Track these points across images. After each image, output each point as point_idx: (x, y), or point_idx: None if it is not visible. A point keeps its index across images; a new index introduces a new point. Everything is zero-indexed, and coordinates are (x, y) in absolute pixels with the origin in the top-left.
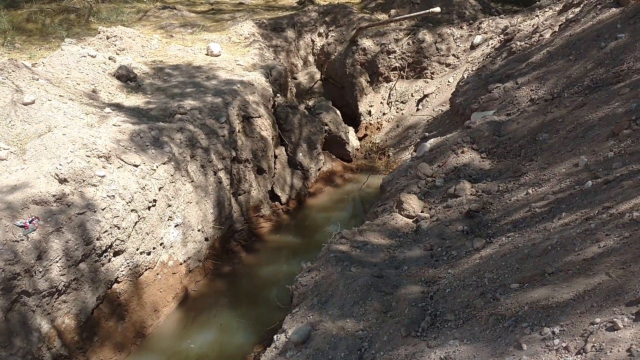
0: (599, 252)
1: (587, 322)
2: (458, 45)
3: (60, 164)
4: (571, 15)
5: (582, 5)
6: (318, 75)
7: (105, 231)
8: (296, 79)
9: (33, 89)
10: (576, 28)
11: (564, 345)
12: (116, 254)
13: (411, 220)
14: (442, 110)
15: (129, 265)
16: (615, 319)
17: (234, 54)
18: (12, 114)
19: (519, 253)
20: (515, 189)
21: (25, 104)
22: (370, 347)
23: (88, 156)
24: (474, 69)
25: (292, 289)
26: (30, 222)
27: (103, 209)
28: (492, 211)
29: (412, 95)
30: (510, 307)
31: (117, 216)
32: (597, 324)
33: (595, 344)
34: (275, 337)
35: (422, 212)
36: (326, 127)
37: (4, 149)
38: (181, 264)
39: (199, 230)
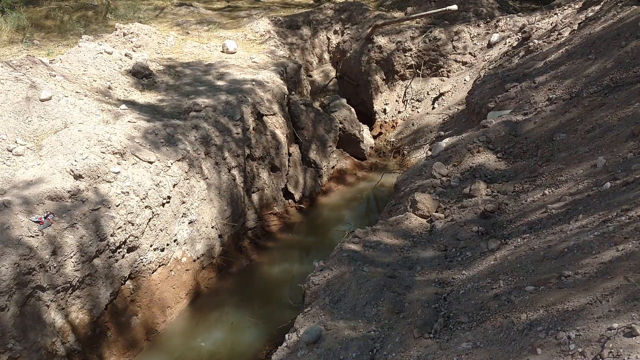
0: (617, 255)
1: (604, 327)
2: (475, 44)
3: (75, 160)
4: (591, 14)
5: (602, 3)
6: (333, 73)
7: (120, 227)
8: (311, 76)
9: (50, 86)
10: (596, 26)
11: (580, 350)
12: (130, 250)
13: (425, 220)
14: (458, 109)
15: (142, 262)
16: (633, 325)
17: (249, 51)
18: (29, 110)
19: (534, 255)
20: (532, 190)
21: (42, 100)
22: (382, 348)
23: (103, 152)
24: (490, 67)
25: (304, 288)
26: (45, 218)
27: (117, 205)
28: (507, 212)
29: (427, 94)
30: (525, 310)
31: (131, 212)
32: (614, 329)
33: (612, 350)
34: (286, 336)
35: (436, 212)
36: (340, 125)
37: (21, 144)
38: (194, 260)
39: (212, 227)
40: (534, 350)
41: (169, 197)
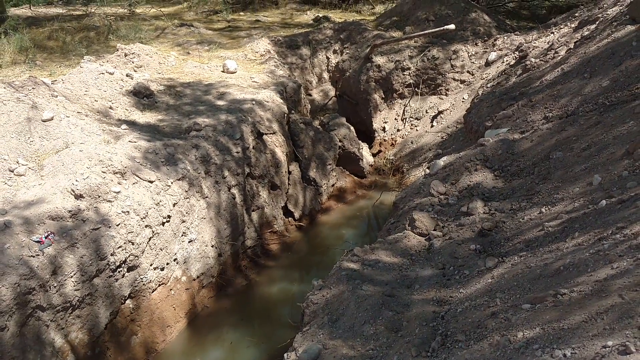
0: (612, 273)
1: (599, 345)
2: (472, 62)
3: (76, 180)
4: (586, 33)
5: (597, 23)
6: (332, 92)
7: (120, 247)
8: (311, 95)
9: (52, 106)
10: (591, 45)
11: None
12: (130, 269)
13: (423, 238)
14: (456, 127)
15: (142, 281)
16: (627, 343)
17: (249, 70)
18: (30, 131)
19: (531, 273)
20: (529, 208)
21: (44, 121)
22: None
23: (104, 172)
24: (488, 85)
25: (303, 307)
26: (46, 238)
27: (118, 225)
28: (504, 230)
29: (426, 112)
30: (521, 328)
31: (132, 232)
32: (609, 347)
33: None
34: (285, 355)
35: (434, 230)
36: (340, 144)
37: (23, 165)
38: (194, 279)
39: (212, 246)
40: None
41: (169, 216)
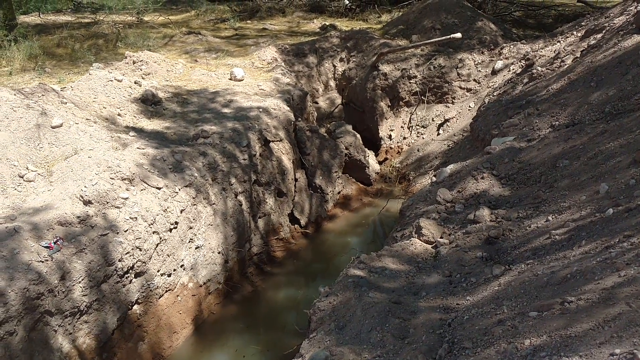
0: (619, 281)
1: (607, 353)
2: (479, 71)
3: (85, 186)
4: (593, 42)
5: (604, 32)
6: (339, 100)
7: (127, 252)
8: (317, 103)
9: (61, 113)
10: (598, 54)
11: None
12: (137, 275)
13: (430, 246)
14: (463, 135)
15: (149, 287)
16: (635, 351)
17: (256, 78)
18: (40, 137)
19: (537, 281)
20: (535, 216)
21: (53, 127)
22: None
23: (112, 179)
24: (495, 94)
25: (309, 314)
26: (54, 243)
27: (125, 231)
28: (511, 238)
29: (432, 120)
30: (528, 336)
31: (139, 238)
32: (616, 355)
33: None
34: None
35: (441, 238)
36: (346, 151)
37: (32, 171)
38: (201, 286)
39: (219, 253)
40: None
41: (176, 223)
